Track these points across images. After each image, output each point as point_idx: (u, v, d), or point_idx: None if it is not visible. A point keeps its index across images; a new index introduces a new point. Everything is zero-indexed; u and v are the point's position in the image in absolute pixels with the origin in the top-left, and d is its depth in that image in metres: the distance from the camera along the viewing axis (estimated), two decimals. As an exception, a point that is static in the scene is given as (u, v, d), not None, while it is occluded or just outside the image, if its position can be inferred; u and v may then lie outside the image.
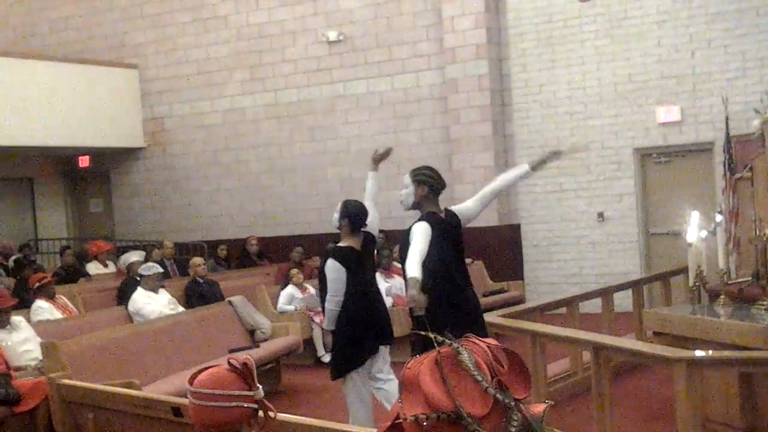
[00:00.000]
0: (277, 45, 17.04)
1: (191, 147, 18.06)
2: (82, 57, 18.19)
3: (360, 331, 6.85)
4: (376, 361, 7.01)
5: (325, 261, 7.07)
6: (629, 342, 7.89)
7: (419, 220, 6.51)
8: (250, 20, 17.30)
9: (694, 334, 7.20)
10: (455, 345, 1.77)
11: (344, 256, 7.02)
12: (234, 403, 3.07)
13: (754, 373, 6.82)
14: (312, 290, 11.66)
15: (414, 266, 6.10)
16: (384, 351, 7.09)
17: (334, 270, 6.94)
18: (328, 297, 6.95)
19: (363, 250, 7.10)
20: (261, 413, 3.18)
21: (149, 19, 18.36)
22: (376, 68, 16.14)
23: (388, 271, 11.89)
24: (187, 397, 3.22)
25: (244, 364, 3.16)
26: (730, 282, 8.15)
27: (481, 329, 6.46)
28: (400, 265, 7.52)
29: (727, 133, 10.64)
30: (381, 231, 14.82)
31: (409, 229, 6.48)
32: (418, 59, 15.79)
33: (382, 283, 10.74)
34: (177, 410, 4.75)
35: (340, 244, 7.15)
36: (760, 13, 13.28)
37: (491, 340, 1.84)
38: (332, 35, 16.38)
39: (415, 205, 6.62)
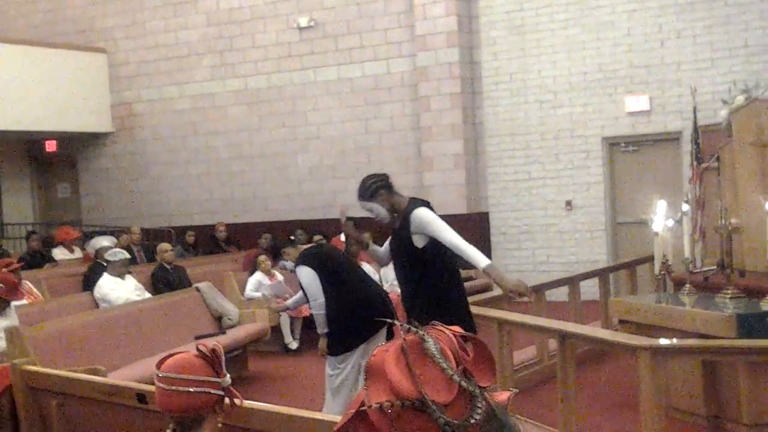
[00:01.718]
0: (248, 30, 16.95)
1: (160, 132, 17.95)
2: (50, 41, 18.01)
3: (350, 321, 6.77)
4: (366, 352, 6.87)
5: (295, 267, 7.02)
6: (594, 330, 7.94)
7: (410, 210, 6.04)
8: (221, 5, 17.20)
9: (659, 322, 7.27)
10: (421, 332, 1.76)
11: (310, 258, 6.99)
12: (201, 389, 3.06)
13: (718, 362, 6.89)
14: (280, 277, 11.63)
15: (476, 251, 5.83)
16: (376, 342, 6.91)
17: (305, 275, 6.90)
18: (310, 303, 6.92)
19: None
20: (227, 400, 3.17)
21: (118, 3, 18.21)
22: (346, 55, 16.10)
23: (356, 259, 11.87)
24: (153, 383, 3.21)
25: (213, 351, 3.15)
26: (695, 271, 8.23)
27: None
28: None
29: (695, 123, 10.70)
30: (349, 218, 14.88)
31: (402, 229, 6.06)
32: (389, 46, 15.76)
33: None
34: (142, 397, 4.73)
35: (306, 246, 7.07)
36: (728, 4, 13.37)
37: (456, 328, 1.84)
38: (303, 21, 16.32)
39: (392, 211, 6.19)
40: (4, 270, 8.10)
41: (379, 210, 6.21)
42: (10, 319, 8.12)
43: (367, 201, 6.24)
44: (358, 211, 6.43)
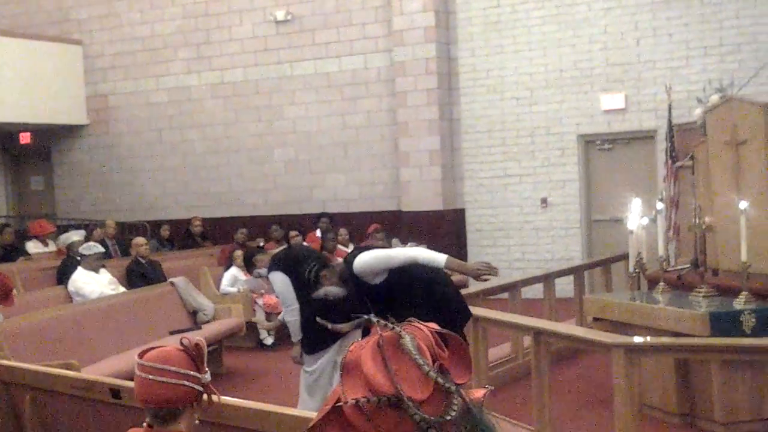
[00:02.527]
0: (224, 23, 16.89)
1: (135, 125, 17.85)
2: (25, 31, 17.86)
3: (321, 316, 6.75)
4: (342, 349, 6.87)
5: (268, 273, 7.01)
6: (569, 327, 7.98)
7: (351, 268, 6.05)
8: (197, -2, 17.13)
9: (633, 320, 7.32)
10: (397, 329, 1.77)
11: (282, 262, 6.97)
12: (182, 382, 3.06)
13: (691, 360, 6.94)
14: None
15: (429, 252, 5.97)
16: (352, 338, 6.90)
17: (278, 281, 6.88)
18: (284, 310, 6.91)
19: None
20: (205, 397, 3.17)
21: (94, -6, 18.09)
22: (323, 49, 16.07)
23: (332, 254, 11.86)
24: (131, 378, 3.20)
25: (196, 346, 3.15)
26: (669, 269, 8.28)
27: None
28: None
29: (670, 122, 10.75)
30: (325, 214, 14.90)
31: (360, 286, 6.05)
32: (366, 41, 15.75)
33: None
34: (116, 392, 4.70)
35: (276, 250, 7.05)
36: (704, 3, 13.44)
37: (433, 325, 1.84)
38: (280, 15, 16.26)
39: (341, 281, 6.19)
40: (2, 275, 8.10)
41: (331, 290, 6.23)
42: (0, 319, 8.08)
43: (317, 289, 6.27)
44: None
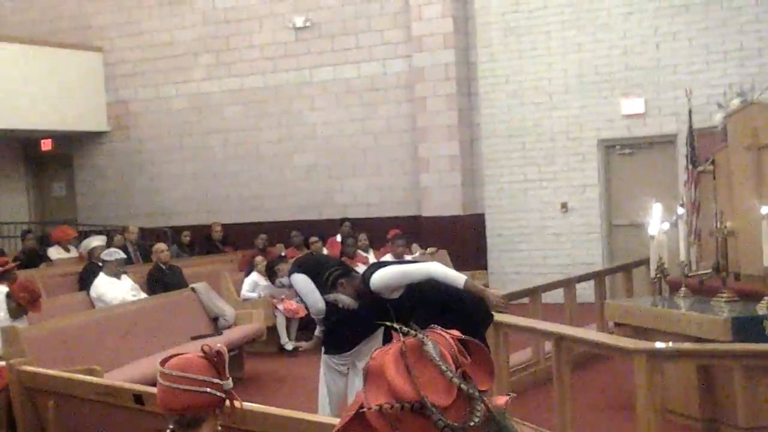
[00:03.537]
0: (244, 30, 16.95)
1: (156, 132, 17.93)
2: (46, 39, 17.97)
3: (344, 324, 6.78)
4: (362, 353, 6.91)
5: (289, 276, 7.08)
6: (590, 333, 7.96)
7: (368, 284, 6.14)
8: (217, 4, 17.19)
9: (655, 325, 7.28)
10: (420, 335, 1.77)
11: (303, 265, 7.03)
12: (203, 389, 3.08)
13: (713, 365, 6.90)
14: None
15: (449, 271, 6.02)
16: (372, 344, 6.93)
17: (300, 282, 6.94)
18: (310, 311, 6.96)
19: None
20: (227, 403, 3.18)
21: (114, 1, 18.19)
22: (342, 55, 16.10)
23: (352, 260, 11.88)
24: (150, 384, 3.22)
25: (218, 353, 3.17)
26: (690, 274, 8.24)
27: None
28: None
29: (690, 126, 10.69)
30: (346, 219, 14.91)
31: (377, 300, 6.11)
32: (385, 47, 15.77)
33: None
34: (139, 398, 4.73)
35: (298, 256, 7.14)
36: (724, 7, 13.39)
37: (455, 332, 1.85)
38: (299, 21, 16.31)
39: (356, 294, 6.28)
40: (32, 282, 8.23)
41: (343, 299, 6.32)
42: (24, 325, 8.13)
43: (330, 293, 6.37)
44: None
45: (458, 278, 5.94)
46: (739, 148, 8.42)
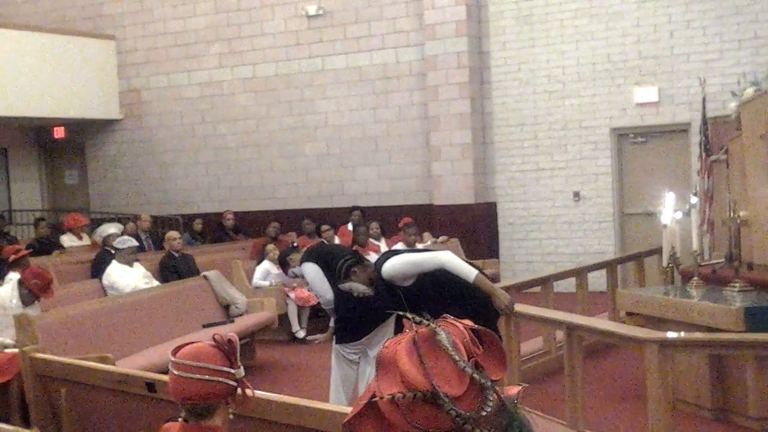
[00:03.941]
0: (256, 18, 16.94)
1: (168, 120, 17.95)
2: (58, 27, 18.01)
3: (354, 313, 6.79)
4: (373, 342, 6.92)
5: (300, 264, 7.11)
6: (602, 322, 7.95)
7: (380, 272, 6.17)
8: (229, -7, 17.19)
9: (667, 314, 7.27)
10: (433, 325, 1.77)
11: (314, 254, 7.04)
12: (215, 378, 3.09)
13: (725, 355, 6.89)
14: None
15: (463, 264, 6.00)
16: (384, 332, 6.97)
17: (309, 271, 6.96)
18: (320, 300, 6.99)
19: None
20: (239, 391, 3.19)
21: (127, -11, 18.21)
22: (355, 43, 16.08)
23: (363, 248, 11.89)
24: (162, 372, 3.23)
25: (229, 342, 3.18)
26: (703, 263, 8.23)
27: None
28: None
29: (704, 115, 10.66)
30: (357, 208, 14.92)
31: (391, 288, 6.13)
32: (397, 35, 15.74)
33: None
34: (151, 386, 4.75)
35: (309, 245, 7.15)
36: (738, -5, 13.33)
37: (468, 321, 1.85)
38: (312, 9, 16.29)
39: (370, 281, 6.30)
40: (43, 269, 8.25)
41: (357, 287, 6.34)
42: (36, 312, 8.17)
43: (344, 282, 6.39)
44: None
45: (470, 273, 5.94)
46: (752, 137, 8.38)
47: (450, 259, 6.04)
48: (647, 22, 13.92)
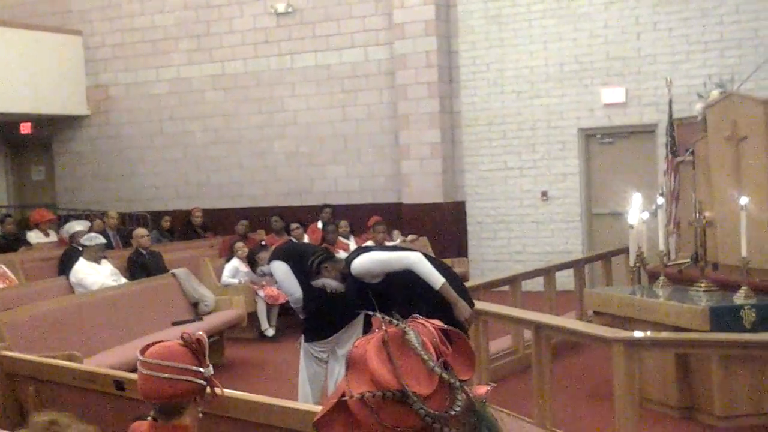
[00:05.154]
0: (225, 15, 16.88)
1: (136, 116, 17.84)
2: (25, 21, 17.83)
3: (323, 311, 6.80)
4: (342, 340, 6.94)
5: (269, 263, 7.10)
6: (569, 321, 8.01)
7: (349, 269, 6.20)
8: (198, -11, 17.12)
9: (634, 314, 7.34)
10: (402, 325, 1.79)
11: (283, 253, 7.04)
12: (184, 377, 3.09)
13: (691, 354, 6.96)
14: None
15: (433, 270, 5.98)
16: (353, 331, 7.00)
17: (278, 270, 6.96)
18: (290, 301, 6.98)
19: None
20: (208, 390, 3.19)
21: (95, -15, 18.07)
22: (324, 41, 16.06)
23: (333, 246, 11.88)
24: (134, 370, 3.23)
25: (198, 340, 3.17)
26: (669, 263, 8.31)
27: None
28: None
29: (670, 116, 10.75)
30: (327, 205, 14.92)
31: (356, 284, 6.19)
32: (366, 34, 15.74)
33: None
34: (120, 384, 4.73)
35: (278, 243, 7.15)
36: (705, -2, 13.45)
37: (437, 322, 1.86)
38: (281, 7, 16.25)
39: (342, 277, 6.32)
40: None
41: (329, 283, 6.35)
42: None
43: (316, 279, 6.39)
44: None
45: (437, 281, 5.92)
46: (718, 138, 8.47)
47: (418, 260, 6.03)
48: (615, 24, 14.03)
